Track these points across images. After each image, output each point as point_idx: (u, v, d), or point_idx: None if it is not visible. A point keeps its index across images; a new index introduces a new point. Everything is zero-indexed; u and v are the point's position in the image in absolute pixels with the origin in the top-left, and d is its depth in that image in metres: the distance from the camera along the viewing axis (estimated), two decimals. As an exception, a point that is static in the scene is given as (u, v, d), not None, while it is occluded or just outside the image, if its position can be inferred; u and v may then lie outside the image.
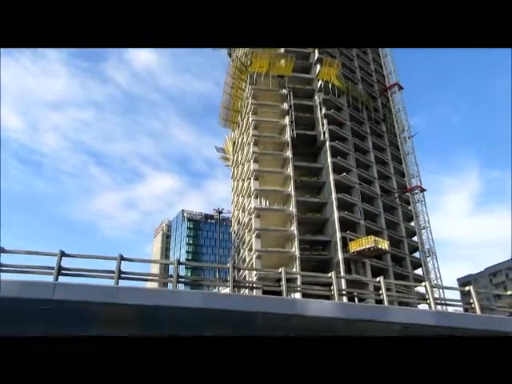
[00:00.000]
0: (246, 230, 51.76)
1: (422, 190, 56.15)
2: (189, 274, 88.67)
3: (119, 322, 14.12)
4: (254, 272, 41.91)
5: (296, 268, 41.97)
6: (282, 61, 54.87)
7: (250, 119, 52.85)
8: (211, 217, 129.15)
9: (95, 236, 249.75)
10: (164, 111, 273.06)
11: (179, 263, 16.70)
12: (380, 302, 17.01)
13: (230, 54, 68.98)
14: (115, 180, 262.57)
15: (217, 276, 49.52)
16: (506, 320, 17.45)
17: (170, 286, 17.39)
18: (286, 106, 52.86)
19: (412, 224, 56.64)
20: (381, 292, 16.90)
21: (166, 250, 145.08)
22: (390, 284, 20.93)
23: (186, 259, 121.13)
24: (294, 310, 14.23)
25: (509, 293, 20.25)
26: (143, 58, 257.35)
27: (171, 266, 17.07)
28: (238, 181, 63.29)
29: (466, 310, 20.24)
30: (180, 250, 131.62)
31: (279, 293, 15.64)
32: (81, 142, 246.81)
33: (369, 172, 54.12)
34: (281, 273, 16.01)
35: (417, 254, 55.20)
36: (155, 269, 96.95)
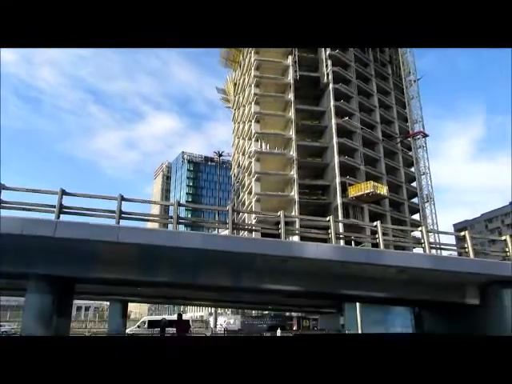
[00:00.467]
0: (246, 174, 51.85)
1: (425, 136, 55.60)
2: (189, 216, 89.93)
3: (120, 262, 14.50)
4: (254, 215, 42.53)
5: (295, 212, 42.52)
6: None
7: (252, 59, 51.19)
8: (211, 159, 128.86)
9: (96, 176, 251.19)
10: (164, 49, 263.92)
11: (179, 205, 16.86)
12: (376, 245, 17.39)
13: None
14: (115, 119, 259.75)
15: (216, 218, 50.29)
16: (497, 264, 17.94)
17: (170, 226, 17.65)
18: (289, 45, 50.84)
19: (412, 170, 56.65)
20: (377, 236, 17.23)
21: (166, 192, 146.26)
22: (386, 228, 21.29)
23: (186, 201, 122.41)
24: (292, 252, 14.56)
25: (503, 238, 20.61)
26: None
27: (171, 208, 17.25)
28: (238, 123, 62.45)
29: (460, 254, 20.74)
30: (180, 192, 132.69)
31: (278, 235, 15.94)
32: (79, 78, 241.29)
33: (371, 116, 53.24)
34: (280, 216, 16.22)
35: (415, 200, 55.72)
36: (155, 210, 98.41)
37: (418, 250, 24.92)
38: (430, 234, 26.34)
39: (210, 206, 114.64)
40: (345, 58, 52.16)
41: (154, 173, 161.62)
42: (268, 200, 45.23)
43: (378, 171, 50.31)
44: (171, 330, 25.37)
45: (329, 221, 17.00)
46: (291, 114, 48.27)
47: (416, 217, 54.93)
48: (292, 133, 47.38)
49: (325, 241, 16.92)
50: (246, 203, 50.76)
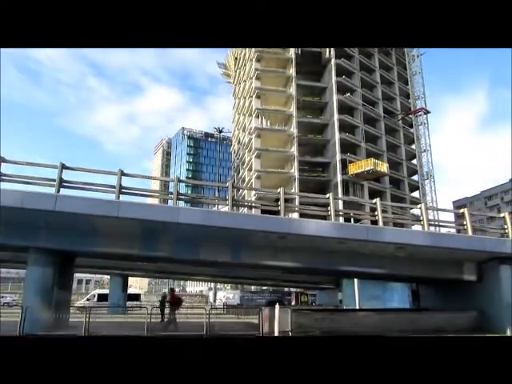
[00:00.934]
0: (246, 150, 51.64)
1: (426, 113, 55.14)
2: (189, 192, 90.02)
3: (120, 236, 14.59)
4: (253, 192, 42.59)
5: (295, 189, 42.54)
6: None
7: (253, 33, 50.16)
8: (211, 135, 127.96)
9: (96, 150, 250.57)
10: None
11: (179, 181, 16.85)
12: (375, 222, 17.47)
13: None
14: (115, 92, 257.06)
15: (216, 195, 50.26)
16: (495, 240, 18.08)
17: (170, 202, 17.70)
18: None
19: (413, 147, 56.40)
20: (376, 213, 17.30)
21: (166, 167, 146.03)
22: (386, 206, 21.33)
23: (186, 177, 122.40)
24: (292, 229, 14.64)
25: (501, 215, 20.71)
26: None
27: (171, 183, 17.25)
28: (239, 98, 61.80)
29: (458, 231, 20.88)
30: (180, 168, 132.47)
31: (277, 212, 15.99)
32: (79, 49, 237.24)
33: (373, 93, 52.65)
34: (279, 193, 16.24)
35: (415, 177, 55.70)
36: (156, 185, 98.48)
37: (417, 227, 25.08)
38: (429, 211, 26.45)
39: (209, 182, 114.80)
40: (347, 33, 51.08)
41: (154, 148, 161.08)
42: (268, 177, 45.20)
43: (379, 148, 50.10)
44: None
45: (328, 198, 17.02)
46: (292, 89, 47.72)
47: (416, 194, 55.05)
48: (293, 109, 46.94)
49: (324, 218, 16.98)
50: (246, 180, 50.73)
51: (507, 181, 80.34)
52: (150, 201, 34.21)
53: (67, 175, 14.34)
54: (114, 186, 14.52)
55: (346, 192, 43.71)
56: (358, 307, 26.91)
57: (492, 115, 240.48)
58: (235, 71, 65.92)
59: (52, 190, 13.81)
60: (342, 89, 48.04)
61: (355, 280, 28.05)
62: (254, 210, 25.06)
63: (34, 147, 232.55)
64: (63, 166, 14.21)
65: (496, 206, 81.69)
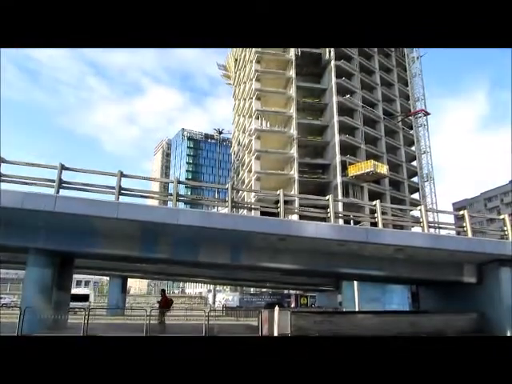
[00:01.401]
0: (246, 152, 51.63)
1: (426, 114, 55.18)
2: (188, 193, 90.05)
3: (119, 238, 14.55)
4: (253, 193, 42.53)
5: (294, 190, 42.53)
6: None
7: (253, 35, 50.17)
8: (211, 137, 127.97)
9: (96, 151, 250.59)
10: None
11: (179, 182, 16.83)
12: (375, 224, 17.44)
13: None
14: (115, 93, 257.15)
15: (216, 196, 50.20)
16: (495, 242, 18.05)
17: (169, 204, 17.67)
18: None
19: (412, 148, 56.42)
20: (376, 215, 17.27)
21: (166, 169, 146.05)
22: (385, 208, 21.32)
23: (186, 178, 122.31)
24: (291, 231, 14.60)
25: (501, 217, 20.70)
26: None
27: (171, 185, 17.23)
28: (239, 100, 61.83)
29: (458, 233, 20.88)
30: (180, 169, 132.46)
31: (277, 214, 15.96)
32: (79, 49, 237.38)
33: (373, 94, 52.66)
34: (279, 195, 16.21)
35: (415, 179, 55.69)
36: (155, 186, 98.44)
37: (416, 229, 25.06)
38: (428, 213, 26.46)
39: (209, 183, 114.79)
40: (347, 35, 51.10)
41: (154, 149, 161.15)
42: (268, 178, 45.18)
43: (379, 150, 50.10)
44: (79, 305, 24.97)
45: (328, 200, 17.00)
46: (292, 91, 47.74)
47: (416, 196, 55.00)
48: (293, 111, 46.95)
49: (324, 220, 16.96)
50: (246, 181, 50.71)
51: (507, 182, 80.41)
52: (149, 202, 34.18)
53: (67, 176, 14.35)
54: (113, 187, 14.49)
55: (345, 194, 43.69)
56: (357, 309, 26.87)
57: (492, 116, 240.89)
58: (235, 73, 65.97)
59: (51, 191, 13.78)
60: (341, 90, 48.06)
61: (355, 282, 28.00)
62: (253, 211, 25.05)
63: (34, 147, 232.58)
64: (63, 167, 14.19)
65: (496, 207, 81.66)
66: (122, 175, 14.77)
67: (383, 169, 45.48)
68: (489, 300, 17.81)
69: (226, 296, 44.93)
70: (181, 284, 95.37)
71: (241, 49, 60.54)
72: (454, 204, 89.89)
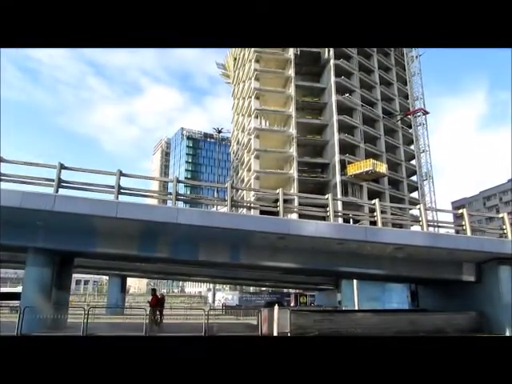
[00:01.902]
0: (246, 151, 51.60)
1: (425, 113, 55.19)
2: (188, 192, 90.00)
3: (118, 237, 14.55)
4: (252, 192, 42.52)
5: (294, 189, 42.52)
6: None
7: (252, 34, 50.08)
8: (211, 136, 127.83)
9: (95, 150, 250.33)
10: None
11: (178, 181, 16.83)
12: (374, 223, 17.46)
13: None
14: (115, 92, 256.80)
15: (215, 195, 50.19)
16: (494, 241, 18.07)
17: (169, 203, 17.66)
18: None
19: (412, 147, 56.43)
20: (375, 214, 17.29)
21: (165, 168, 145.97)
22: (385, 206, 21.33)
23: (185, 177, 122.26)
24: (290, 229, 14.61)
25: (500, 215, 20.72)
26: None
27: (170, 184, 17.22)
28: (238, 99, 61.76)
29: (457, 231, 20.90)
30: (179, 168, 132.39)
31: (276, 213, 15.97)
32: (78, 49, 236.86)
33: (372, 93, 52.66)
34: (278, 193, 16.22)
35: (414, 178, 55.72)
36: (155, 186, 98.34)
37: (415, 228, 25.08)
38: (428, 211, 26.47)
39: (209, 182, 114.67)
40: (346, 34, 51.03)
41: (153, 148, 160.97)
42: (267, 177, 45.16)
43: (378, 149, 50.10)
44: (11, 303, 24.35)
45: (327, 199, 17.01)
46: (291, 90, 47.70)
47: (415, 195, 55.05)
48: (292, 110, 46.92)
49: (323, 218, 16.97)
50: (245, 180, 50.69)
51: (506, 181, 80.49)
52: (149, 201, 34.17)
53: (66, 175, 14.33)
54: (112, 187, 14.48)
55: (345, 193, 43.71)
56: (356, 308, 26.91)
57: (491, 116, 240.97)
58: (234, 72, 65.90)
59: (50, 190, 13.77)
60: (341, 89, 48.05)
61: (354, 281, 28.05)
62: (252, 210, 25.05)
63: (33, 146, 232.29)
64: (62, 166, 14.18)
65: (495, 206, 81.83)
66: (121, 174, 14.76)
67: (382, 168, 45.49)
68: (488, 298, 17.84)
69: (225, 295, 44.98)
70: (180, 283, 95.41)
71: (240, 48, 60.49)
72: (453, 203, 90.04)
